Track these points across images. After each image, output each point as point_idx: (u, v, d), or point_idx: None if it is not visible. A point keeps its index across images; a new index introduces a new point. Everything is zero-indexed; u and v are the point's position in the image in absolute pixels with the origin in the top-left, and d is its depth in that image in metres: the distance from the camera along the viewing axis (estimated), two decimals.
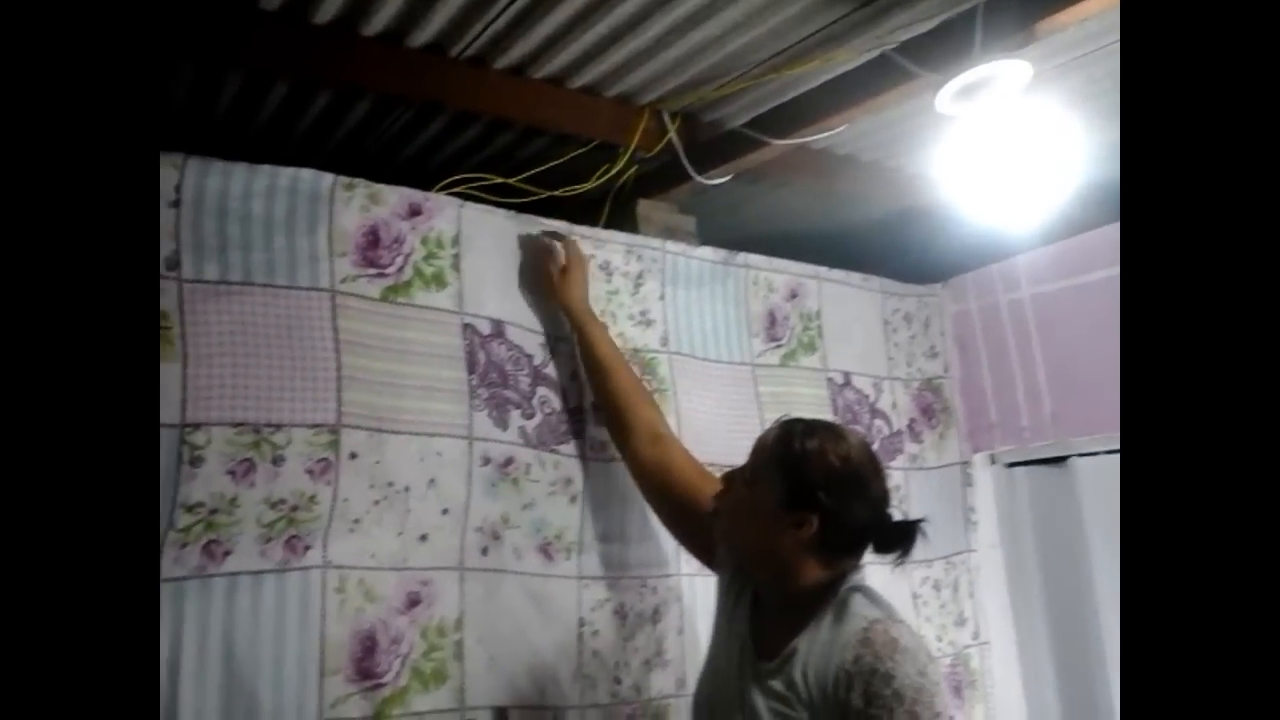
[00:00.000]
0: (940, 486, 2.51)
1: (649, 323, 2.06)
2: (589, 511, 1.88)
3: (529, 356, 1.86)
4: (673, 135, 2.20)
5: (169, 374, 1.47)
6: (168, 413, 1.46)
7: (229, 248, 1.57)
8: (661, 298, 2.10)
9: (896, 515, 1.37)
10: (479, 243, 1.83)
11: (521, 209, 1.96)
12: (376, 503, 1.63)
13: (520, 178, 2.13)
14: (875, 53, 1.92)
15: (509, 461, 1.78)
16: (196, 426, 1.48)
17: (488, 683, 1.69)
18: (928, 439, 2.52)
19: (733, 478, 1.43)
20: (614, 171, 2.22)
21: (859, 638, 1.23)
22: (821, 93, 2.06)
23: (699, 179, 2.23)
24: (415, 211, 1.76)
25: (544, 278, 1.87)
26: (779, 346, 2.28)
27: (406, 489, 1.66)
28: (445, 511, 1.70)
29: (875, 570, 1.43)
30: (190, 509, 1.46)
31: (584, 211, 2.25)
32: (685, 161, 2.21)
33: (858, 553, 1.35)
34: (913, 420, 2.50)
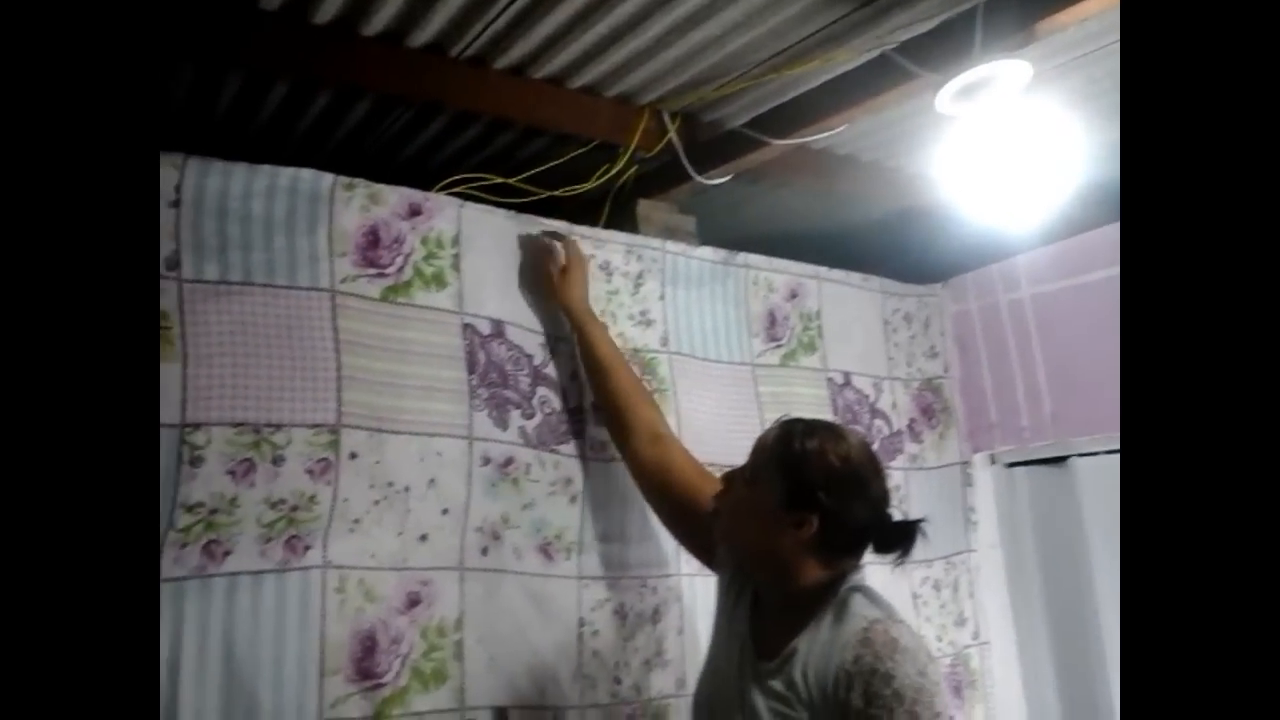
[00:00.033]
0: (940, 486, 2.51)
1: (649, 323, 2.06)
2: (589, 511, 1.88)
3: (529, 356, 1.86)
4: (673, 135, 2.20)
5: (169, 374, 1.47)
6: (168, 413, 1.46)
7: (229, 248, 1.57)
8: (661, 298, 2.10)
9: (896, 515, 1.37)
10: (479, 243, 1.83)
11: (521, 209, 1.97)
12: (376, 503, 1.63)
13: (520, 178, 2.13)
14: (875, 53, 1.92)
15: (509, 461, 1.78)
16: (196, 426, 1.48)
17: (488, 683, 1.69)
18: (928, 439, 2.52)
19: (733, 478, 1.43)
20: (614, 171, 2.22)
21: (859, 638, 1.23)
22: (821, 93, 2.06)
23: (699, 179, 2.23)
24: (415, 211, 1.76)
25: (544, 278, 1.87)
26: (779, 346, 2.28)
27: (406, 489, 1.66)
28: (445, 511, 1.70)
29: (875, 570, 1.43)
30: (190, 509, 1.46)
31: (584, 211, 2.25)
32: (685, 161, 2.21)
33: (858, 553, 1.35)
34: (913, 420, 2.50)
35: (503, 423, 1.79)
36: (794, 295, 2.34)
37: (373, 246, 1.70)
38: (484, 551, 1.74)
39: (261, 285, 1.58)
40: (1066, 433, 2.45)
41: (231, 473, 1.50)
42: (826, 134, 2.14)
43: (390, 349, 1.68)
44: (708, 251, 2.21)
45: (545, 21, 1.82)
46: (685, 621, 1.96)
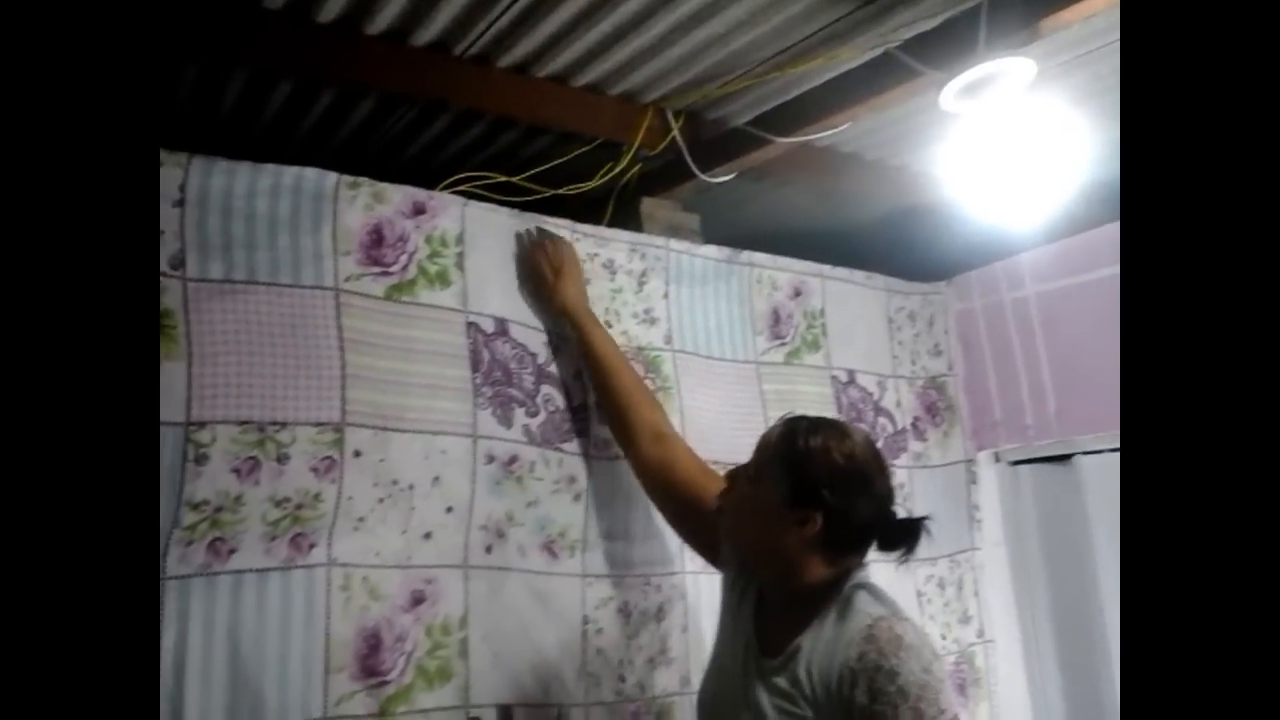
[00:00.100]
0: (945, 485, 2.51)
1: (653, 321, 2.06)
2: (593, 509, 1.88)
3: (533, 355, 1.86)
4: (676, 133, 2.19)
5: (174, 372, 1.48)
6: (173, 411, 1.47)
7: (234, 246, 1.57)
8: (665, 296, 2.10)
9: (901, 513, 1.37)
10: (483, 241, 1.83)
11: (525, 207, 1.97)
12: (381, 501, 1.63)
13: (524, 176, 2.13)
14: (879, 50, 1.91)
15: (513, 459, 1.79)
16: (201, 425, 1.48)
17: (492, 680, 1.69)
18: (932, 437, 2.52)
19: (736, 476, 1.43)
20: (618, 170, 2.22)
21: (863, 635, 1.23)
22: (825, 91, 2.06)
23: (703, 177, 2.22)
24: (419, 210, 1.76)
25: (540, 280, 1.87)
26: (783, 344, 2.28)
27: (411, 487, 1.66)
28: (449, 510, 1.70)
29: (879, 568, 1.43)
30: (195, 507, 1.46)
31: (588, 210, 2.25)
32: (689, 160, 2.21)
33: (862, 550, 1.35)
34: (917, 418, 2.50)
35: (507, 421, 1.79)
36: (798, 293, 2.34)
37: (377, 245, 1.70)
38: (488, 549, 1.74)
39: (266, 284, 1.59)
40: (1071, 431, 2.45)
41: (236, 471, 1.50)
42: (830, 132, 2.13)
43: (394, 347, 1.69)
44: (712, 250, 2.21)
45: (549, 20, 1.82)
46: (689, 619, 1.96)
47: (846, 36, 1.93)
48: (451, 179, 1.96)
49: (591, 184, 2.21)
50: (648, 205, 2.36)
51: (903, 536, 1.33)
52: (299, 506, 1.55)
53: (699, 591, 1.96)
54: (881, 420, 2.42)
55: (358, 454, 1.61)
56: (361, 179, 1.71)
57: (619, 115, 2.16)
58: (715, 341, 2.16)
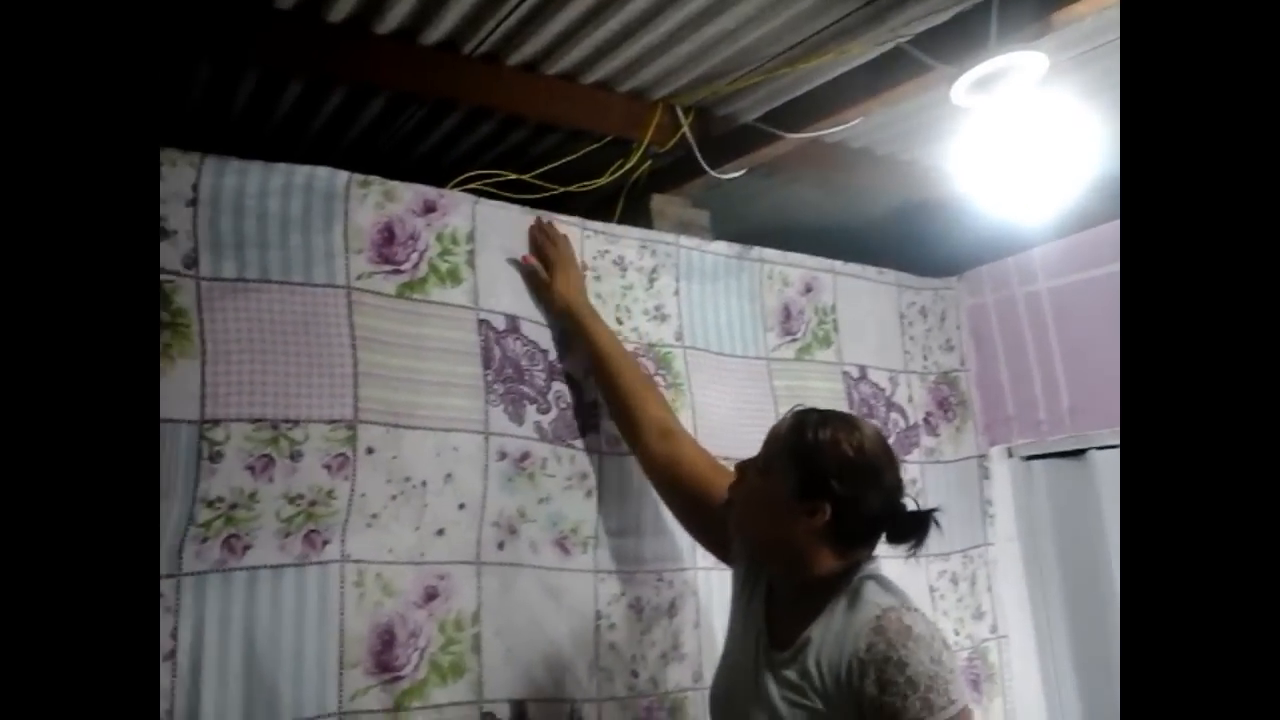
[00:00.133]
0: (957, 480, 2.50)
1: (664, 317, 2.07)
2: (605, 506, 1.88)
3: (544, 351, 1.87)
4: (686, 130, 2.19)
5: (188, 371, 1.49)
6: (187, 409, 1.48)
7: (246, 245, 1.58)
8: (676, 292, 2.10)
9: (911, 506, 1.36)
10: (493, 239, 1.84)
11: (535, 205, 1.97)
12: (394, 497, 1.64)
13: (534, 174, 2.14)
14: (889, 45, 1.91)
15: (525, 456, 1.79)
16: (216, 423, 1.49)
17: (505, 676, 1.70)
18: (944, 432, 2.51)
19: (746, 468, 1.43)
20: (628, 167, 2.22)
21: (872, 625, 1.23)
22: (836, 86, 2.06)
23: (713, 173, 2.22)
24: (430, 208, 1.77)
25: (537, 280, 1.86)
26: (794, 340, 2.28)
27: (423, 484, 1.67)
28: (462, 506, 1.71)
29: (891, 563, 1.43)
30: (210, 504, 1.48)
31: (598, 207, 2.26)
32: (699, 156, 2.21)
33: (871, 542, 1.35)
34: (929, 414, 2.50)
35: (518, 418, 1.80)
36: (809, 289, 2.33)
37: (388, 243, 1.71)
38: (500, 546, 1.75)
39: (278, 283, 1.60)
40: (1084, 426, 2.44)
41: (250, 468, 1.51)
42: (841, 127, 2.13)
43: (406, 345, 1.69)
44: (722, 246, 2.21)
45: (558, 18, 1.82)
46: (701, 615, 1.96)
47: (856, 31, 1.92)
48: (462, 177, 1.97)
49: (601, 181, 2.22)
50: (658, 202, 2.36)
51: (912, 529, 1.33)
52: (312, 503, 1.56)
53: (711, 587, 1.96)
54: (894, 416, 2.42)
55: (370, 451, 1.62)
56: (372, 177, 1.71)
57: (628, 112, 2.16)
58: (726, 338, 2.17)
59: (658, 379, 1.98)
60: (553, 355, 1.88)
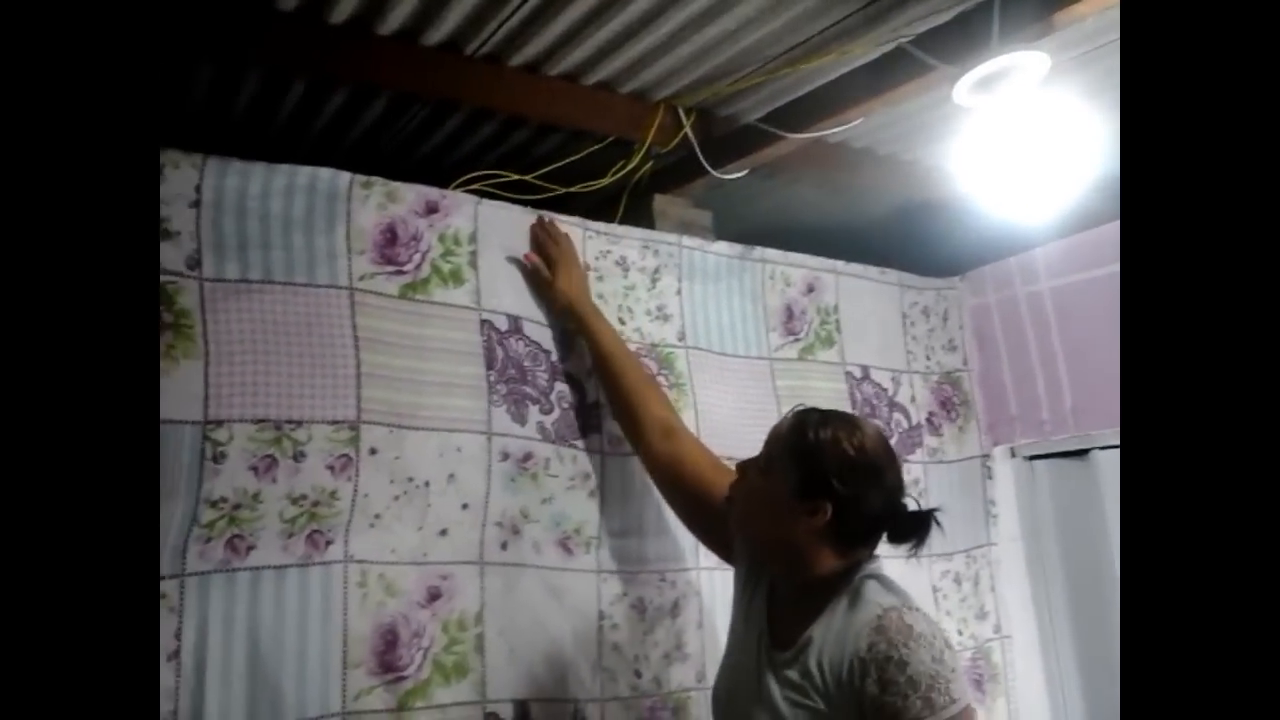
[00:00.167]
0: (960, 480, 2.50)
1: (666, 318, 2.07)
2: (607, 506, 1.88)
3: (546, 352, 1.87)
4: (688, 130, 2.19)
5: (191, 371, 1.49)
6: (191, 410, 1.48)
7: (249, 246, 1.58)
8: (678, 293, 2.10)
9: (912, 505, 1.36)
10: (496, 239, 1.84)
11: (538, 206, 1.97)
12: (397, 498, 1.64)
13: (536, 174, 2.14)
14: (891, 45, 1.91)
15: (528, 456, 1.79)
16: (219, 423, 1.50)
17: (508, 676, 1.70)
18: (947, 432, 2.51)
19: (747, 467, 1.43)
20: (630, 167, 2.22)
21: (873, 625, 1.23)
22: (837, 86, 2.06)
23: (715, 174, 2.22)
24: (432, 209, 1.77)
25: (539, 280, 1.86)
26: (796, 340, 2.28)
27: (426, 484, 1.67)
28: (465, 506, 1.71)
29: (894, 564, 1.43)
30: (214, 504, 1.48)
31: (600, 207, 2.26)
32: (701, 156, 2.21)
33: (872, 542, 1.35)
34: (932, 414, 2.50)
35: (521, 418, 1.80)
36: (811, 289, 2.33)
37: (390, 244, 1.71)
38: (503, 546, 1.75)
39: (281, 283, 1.60)
40: (1087, 425, 2.44)
41: (254, 469, 1.52)
42: (843, 127, 2.13)
43: (409, 345, 1.70)
44: (724, 246, 2.21)
45: (559, 19, 1.82)
46: (704, 615, 1.96)
47: (858, 32, 1.92)
48: (464, 178, 1.97)
49: (603, 182, 2.22)
50: (660, 202, 2.36)
51: (913, 528, 1.33)
52: (316, 504, 1.56)
53: (713, 587, 1.96)
54: (896, 416, 2.42)
55: (373, 452, 1.62)
56: (374, 178, 1.72)
57: (630, 113, 2.16)
58: (729, 338, 2.17)
59: (660, 379, 1.98)
60: (555, 355, 1.88)
